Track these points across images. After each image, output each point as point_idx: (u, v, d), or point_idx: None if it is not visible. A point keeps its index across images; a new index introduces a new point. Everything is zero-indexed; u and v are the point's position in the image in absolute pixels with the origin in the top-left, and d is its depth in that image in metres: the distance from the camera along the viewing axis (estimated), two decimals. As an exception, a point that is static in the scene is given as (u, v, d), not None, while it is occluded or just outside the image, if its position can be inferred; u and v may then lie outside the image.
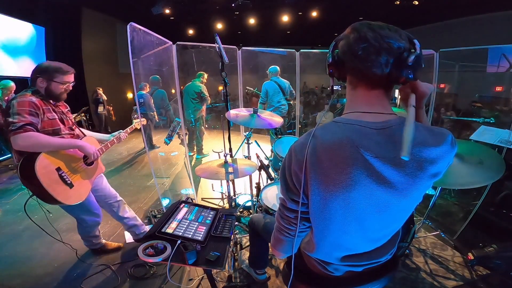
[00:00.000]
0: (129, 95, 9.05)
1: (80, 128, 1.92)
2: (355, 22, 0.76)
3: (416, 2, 6.50)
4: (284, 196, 0.83)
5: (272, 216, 1.57)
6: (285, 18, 8.43)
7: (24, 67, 5.68)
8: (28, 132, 1.45)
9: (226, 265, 1.61)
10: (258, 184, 2.50)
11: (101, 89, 7.03)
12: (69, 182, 1.61)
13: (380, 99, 0.76)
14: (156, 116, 5.07)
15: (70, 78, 1.70)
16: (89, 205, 1.93)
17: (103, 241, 2.28)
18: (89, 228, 2.06)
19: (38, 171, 1.45)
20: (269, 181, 2.19)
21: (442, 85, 7.32)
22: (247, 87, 4.65)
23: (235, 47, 3.31)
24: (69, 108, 1.88)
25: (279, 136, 2.72)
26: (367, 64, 0.70)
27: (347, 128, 0.72)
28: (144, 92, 4.91)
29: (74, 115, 5.15)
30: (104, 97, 7.02)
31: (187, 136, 4.66)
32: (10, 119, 1.45)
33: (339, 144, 0.70)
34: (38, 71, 1.63)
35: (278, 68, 4.34)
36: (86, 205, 1.89)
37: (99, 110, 6.87)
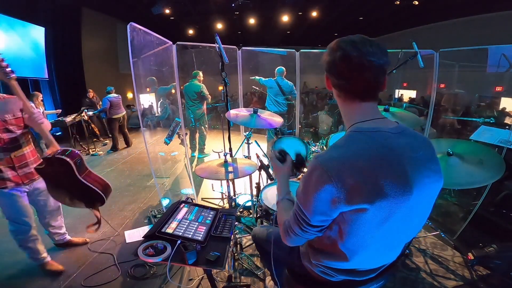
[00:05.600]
0: (129, 95, 9.05)
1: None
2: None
3: (416, 2, 6.50)
4: (308, 216, 0.79)
5: (275, 227, 1.50)
6: (285, 18, 8.43)
7: (24, 67, 5.69)
8: None
9: (226, 265, 1.61)
10: (258, 184, 2.50)
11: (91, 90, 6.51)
12: None
13: (373, 108, 0.82)
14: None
15: None
16: (19, 209, 1.81)
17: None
18: (20, 234, 1.89)
19: None
20: (269, 181, 2.19)
21: (442, 85, 7.33)
22: (254, 87, 4.69)
23: (235, 47, 3.31)
24: None
25: (279, 136, 2.72)
26: (351, 81, 0.77)
27: (376, 135, 0.76)
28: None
29: (74, 115, 5.20)
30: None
31: (187, 136, 4.66)
32: None
33: (375, 153, 0.73)
34: None
35: (283, 69, 4.40)
36: (16, 207, 1.79)
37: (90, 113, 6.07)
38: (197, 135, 4.97)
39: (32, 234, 1.91)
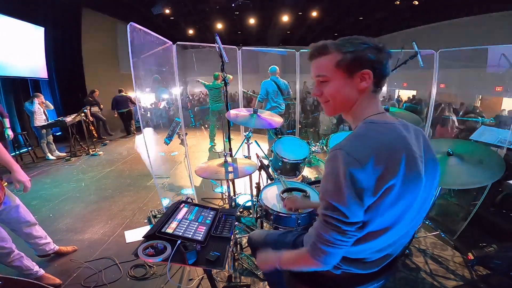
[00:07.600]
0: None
1: None
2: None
3: (416, 2, 6.51)
4: (345, 210, 0.73)
5: (275, 230, 1.42)
6: (285, 18, 8.44)
7: (24, 68, 5.68)
8: None
9: (226, 265, 1.61)
10: (258, 184, 2.49)
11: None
12: None
13: (379, 102, 0.88)
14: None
15: None
16: None
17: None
18: (3, 257, 1.77)
19: None
20: (269, 181, 2.19)
21: (442, 85, 7.33)
22: (243, 90, 4.64)
23: (235, 47, 3.31)
24: None
25: (279, 136, 2.72)
26: (379, 68, 0.81)
27: (389, 126, 0.81)
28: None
29: (74, 115, 5.19)
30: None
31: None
32: None
33: (395, 141, 0.78)
34: None
35: (277, 68, 4.33)
36: None
37: (93, 110, 6.67)
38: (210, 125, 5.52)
39: (15, 255, 1.78)
